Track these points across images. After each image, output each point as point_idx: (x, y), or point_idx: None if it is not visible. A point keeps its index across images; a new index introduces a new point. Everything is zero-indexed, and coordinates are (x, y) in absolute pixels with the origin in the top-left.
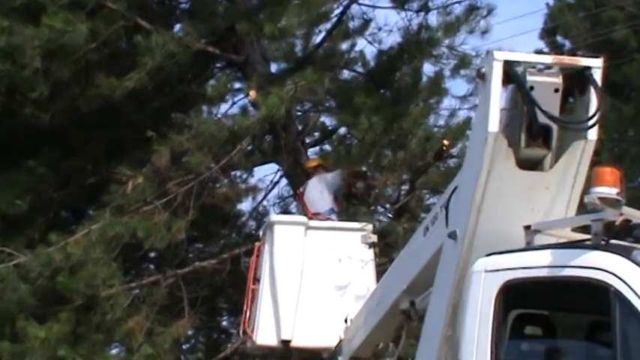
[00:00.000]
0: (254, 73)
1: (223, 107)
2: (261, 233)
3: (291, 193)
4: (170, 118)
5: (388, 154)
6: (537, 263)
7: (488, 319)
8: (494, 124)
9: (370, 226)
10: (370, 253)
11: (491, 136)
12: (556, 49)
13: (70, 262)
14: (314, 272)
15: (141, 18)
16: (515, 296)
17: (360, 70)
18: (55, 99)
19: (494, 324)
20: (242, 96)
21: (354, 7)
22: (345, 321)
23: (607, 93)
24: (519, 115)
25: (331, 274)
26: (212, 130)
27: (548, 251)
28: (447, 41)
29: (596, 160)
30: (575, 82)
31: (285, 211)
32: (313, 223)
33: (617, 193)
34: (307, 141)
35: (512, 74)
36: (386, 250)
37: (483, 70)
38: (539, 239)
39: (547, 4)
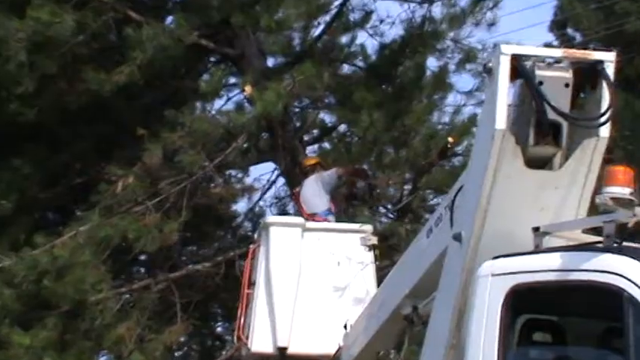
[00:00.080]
0: (250, 68)
1: (217, 103)
2: (256, 235)
3: (289, 193)
4: (162, 115)
5: (390, 152)
6: (546, 266)
7: (495, 325)
8: (501, 120)
9: (370, 228)
10: (370, 256)
11: (499, 133)
12: (566, 42)
13: (57, 266)
14: (311, 276)
15: (131, 9)
16: (524, 301)
17: (361, 64)
18: (41, 94)
19: (501, 330)
20: (237, 92)
21: None
22: (345, 327)
23: (620, 88)
24: (528, 111)
25: (329, 278)
26: (206, 127)
27: (558, 254)
28: (451, 34)
29: (609, 159)
30: (587, 76)
31: (283, 212)
32: (310, 224)
33: (631, 193)
34: (305, 139)
35: (520, 69)
36: (387, 252)
37: (490, 64)
38: (549, 241)
39: None
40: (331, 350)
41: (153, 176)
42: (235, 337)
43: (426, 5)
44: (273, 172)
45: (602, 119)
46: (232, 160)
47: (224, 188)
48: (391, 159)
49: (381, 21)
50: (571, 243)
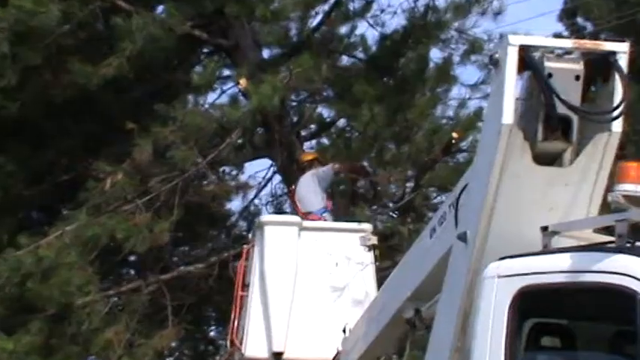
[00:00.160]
0: (244, 60)
1: (211, 97)
2: (250, 235)
3: (285, 190)
4: (152, 109)
5: (391, 148)
6: (555, 268)
7: (501, 329)
8: (508, 115)
9: (369, 227)
10: (370, 256)
11: (506, 128)
12: (576, 32)
13: (42, 267)
14: (308, 277)
15: None
16: (531, 304)
17: (361, 55)
18: (24, 87)
19: (508, 334)
20: (231, 84)
21: None
22: (344, 331)
23: (633, 81)
24: (536, 105)
25: (327, 280)
26: (199, 121)
27: (568, 254)
28: (456, 24)
29: (621, 155)
30: (598, 68)
31: (279, 211)
32: (307, 223)
33: None
34: (303, 134)
35: (528, 60)
36: (389, 253)
37: (497, 55)
38: (558, 241)
39: None
40: (329, 355)
41: (143, 173)
42: (228, 342)
43: None
44: (268, 168)
45: (615, 113)
46: (226, 157)
47: (217, 186)
48: (393, 155)
49: (382, 10)
50: (581, 243)
